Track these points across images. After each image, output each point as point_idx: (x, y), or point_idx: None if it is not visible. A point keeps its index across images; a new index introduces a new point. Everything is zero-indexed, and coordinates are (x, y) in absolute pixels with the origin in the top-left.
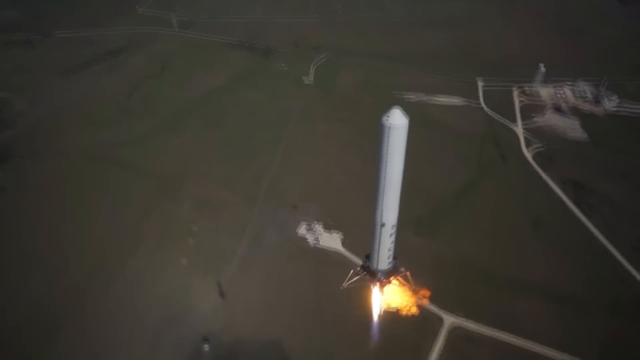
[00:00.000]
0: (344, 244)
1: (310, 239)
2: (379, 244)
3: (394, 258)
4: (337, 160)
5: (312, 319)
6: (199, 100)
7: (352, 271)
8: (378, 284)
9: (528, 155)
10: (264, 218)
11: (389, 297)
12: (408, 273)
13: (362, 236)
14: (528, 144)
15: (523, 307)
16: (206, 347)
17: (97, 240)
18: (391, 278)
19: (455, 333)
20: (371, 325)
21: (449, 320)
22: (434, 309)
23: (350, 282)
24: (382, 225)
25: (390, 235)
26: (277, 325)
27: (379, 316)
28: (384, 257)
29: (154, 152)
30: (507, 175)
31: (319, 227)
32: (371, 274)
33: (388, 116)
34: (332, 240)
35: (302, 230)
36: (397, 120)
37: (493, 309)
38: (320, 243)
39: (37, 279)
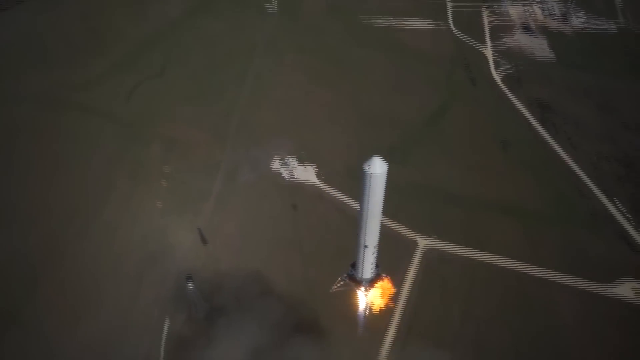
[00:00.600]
0: (318, 176)
1: (284, 173)
2: (363, 261)
3: (377, 266)
4: (308, 92)
5: (291, 251)
6: (155, 34)
7: (339, 278)
8: (362, 288)
9: (497, 77)
10: (236, 155)
11: (372, 299)
12: (389, 278)
13: (336, 167)
14: (497, 66)
15: (492, 226)
16: (190, 285)
17: (67, 188)
18: (374, 284)
19: (429, 254)
20: (358, 321)
21: (423, 242)
22: (408, 232)
23: (338, 286)
24: (366, 246)
25: (373, 253)
26: (258, 259)
27: (364, 315)
28: (367, 269)
29: (114, 93)
30: (476, 99)
31: (292, 161)
32: (356, 282)
33: (369, 165)
34: (306, 174)
35: (275, 165)
36: (377, 170)
37: (464, 230)
38: (295, 177)
39: (8, 231)
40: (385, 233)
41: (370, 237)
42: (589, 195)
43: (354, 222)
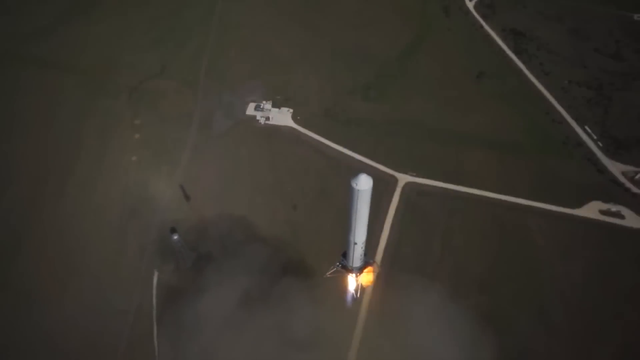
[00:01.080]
0: (294, 118)
1: (260, 117)
2: (353, 253)
3: (365, 254)
4: (278, 33)
5: (272, 194)
6: None
7: (332, 266)
8: (353, 274)
9: (470, 5)
10: (208, 102)
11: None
12: (375, 264)
13: (312, 108)
14: None
15: (468, 158)
16: (175, 236)
17: (35, 147)
18: (363, 270)
19: (409, 189)
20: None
21: (402, 178)
22: (387, 170)
23: (332, 272)
24: (355, 243)
25: (362, 248)
26: (240, 205)
27: (355, 292)
28: (357, 259)
29: (71, 43)
30: (450, 30)
31: (267, 105)
32: (347, 269)
33: (356, 183)
34: (282, 117)
35: (250, 110)
36: (363, 187)
37: (441, 164)
38: (271, 120)
39: None
40: (364, 172)
41: (359, 236)
42: (560, 120)
43: (333, 162)
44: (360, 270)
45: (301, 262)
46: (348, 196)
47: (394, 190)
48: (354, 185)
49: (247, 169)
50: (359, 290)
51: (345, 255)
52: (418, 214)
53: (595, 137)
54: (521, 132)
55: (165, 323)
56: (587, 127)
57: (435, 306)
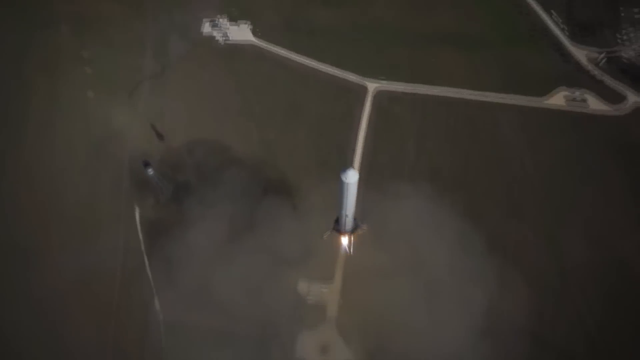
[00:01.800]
0: (255, 33)
1: (218, 36)
2: (345, 222)
3: (355, 219)
4: None
5: (242, 116)
6: None
7: (328, 230)
8: (346, 235)
9: None
10: (160, 24)
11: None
12: (365, 226)
13: (272, 21)
14: None
15: (436, 58)
16: (149, 170)
17: None
18: (354, 232)
19: (379, 96)
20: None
21: (372, 86)
22: (356, 78)
23: (327, 235)
24: (346, 215)
25: (352, 219)
26: (210, 131)
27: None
28: (348, 225)
29: None
30: None
31: (224, 21)
32: (341, 232)
33: (345, 177)
34: (242, 33)
35: (206, 28)
36: (351, 180)
37: (410, 67)
38: (230, 38)
39: None
40: (333, 82)
41: (349, 210)
42: (527, 10)
43: (301, 76)
44: (352, 231)
45: (281, 181)
46: (319, 110)
47: (365, 99)
48: (343, 179)
49: (213, 93)
50: (351, 247)
51: (337, 221)
52: (391, 120)
53: (560, 24)
54: (488, 26)
55: (155, 256)
56: (553, 12)
57: (414, 207)
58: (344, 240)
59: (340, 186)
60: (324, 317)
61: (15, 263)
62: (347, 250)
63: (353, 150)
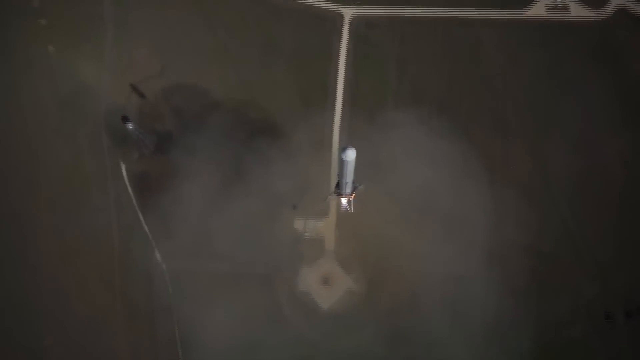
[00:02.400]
0: None
1: None
2: (344, 187)
3: (353, 182)
4: None
5: (216, 55)
6: None
7: (329, 194)
8: (346, 198)
9: None
10: None
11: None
12: (362, 187)
13: None
14: None
15: None
16: (129, 125)
17: None
18: (353, 194)
19: (356, 23)
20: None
21: (348, 12)
22: (332, 7)
23: (329, 197)
24: (346, 183)
25: (351, 184)
26: (185, 75)
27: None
28: (348, 189)
29: None
30: None
31: None
32: (341, 195)
33: (345, 155)
34: None
35: None
36: (350, 157)
37: None
38: None
39: None
40: (307, 12)
41: (349, 179)
42: None
43: (273, 8)
44: (351, 193)
45: (265, 122)
46: (296, 43)
47: (341, 27)
48: (343, 157)
49: (182, 34)
50: (351, 206)
51: (338, 185)
52: (370, 47)
53: None
54: None
55: (149, 210)
56: None
57: (401, 134)
58: (344, 201)
59: (340, 162)
60: (322, 250)
61: (8, 230)
62: (348, 209)
63: (335, 82)
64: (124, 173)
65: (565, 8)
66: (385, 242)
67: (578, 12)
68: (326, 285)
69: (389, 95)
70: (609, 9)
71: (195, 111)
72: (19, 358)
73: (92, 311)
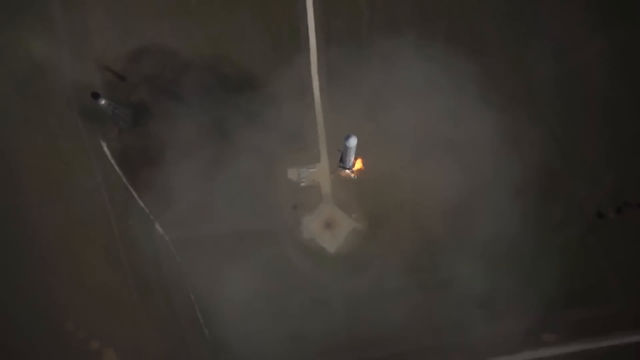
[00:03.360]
0: None
1: None
2: (348, 162)
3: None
4: None
5: (178, 11)
6: None
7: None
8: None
9: None
10: None
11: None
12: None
13: None
14: None
15: None
16: (101, 101)
17: None
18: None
19: None
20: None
21: None
22: None
23: (334, 172)
24: (350, 160)
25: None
26: (149, 38)
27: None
28: (350, 163)
29: None
30: None
31: None
32: (345, 168)
33: (348, 142)
34: None
35: None
36: (352, 144)
37: None
38: None
39: None
40: None
41: (351, 156)
42: None
43: None
44: (352, 164)
45: (241, 75)
46: None
47: None
48: (346, 143)
49: None
50: (354, 175)
51: (341, 159)
52: None
53: None
54: None
55: (140, 184)
56: None
57: (380, 67)
58: (347, 173)
59: (343, 146)
60: (320, 196)
61: (2, 230)
62: (353, 177)
63: (305, 23)
64: (107, 151)
65: None
66: (381, 178)
67: None
68: (330, 229)
69: (364, 28)
70: None
71: (166, 75)
72: (46, 344)
73: (107, 292)
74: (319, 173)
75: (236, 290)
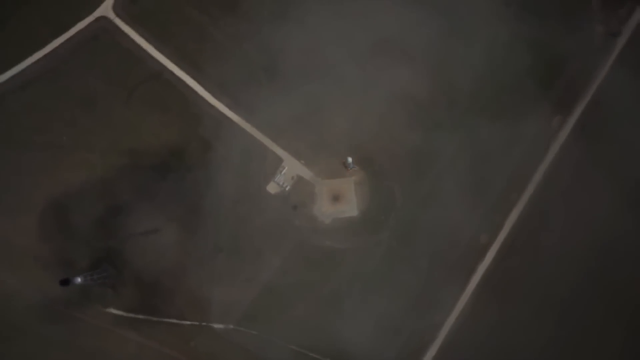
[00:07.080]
0: None
1: None
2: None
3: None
4: None
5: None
6: None
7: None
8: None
9: None
10: None
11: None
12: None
13: None
14: None
15: None
16: (77, 280)
17: None
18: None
19: None
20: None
21: None
22: None
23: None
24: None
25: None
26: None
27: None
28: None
29: None
30: None
31: None
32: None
33: (348, 163)
34: None
35: None
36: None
37: None
38: None
39: None
40: None
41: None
42: None
43: None
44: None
45: (159, 156)
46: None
47: None
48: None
49: None
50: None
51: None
52: None
53: None
54: None
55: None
56: None
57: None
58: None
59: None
60: (308, 184)
61: None
62: (353, 166)
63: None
64: (119, 312)
65: None
66: (353, 131)
67: None
68: (339, 200)
69: None
70: None
71: (104, 215)
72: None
73: None
74: (290, 168)
75: None
